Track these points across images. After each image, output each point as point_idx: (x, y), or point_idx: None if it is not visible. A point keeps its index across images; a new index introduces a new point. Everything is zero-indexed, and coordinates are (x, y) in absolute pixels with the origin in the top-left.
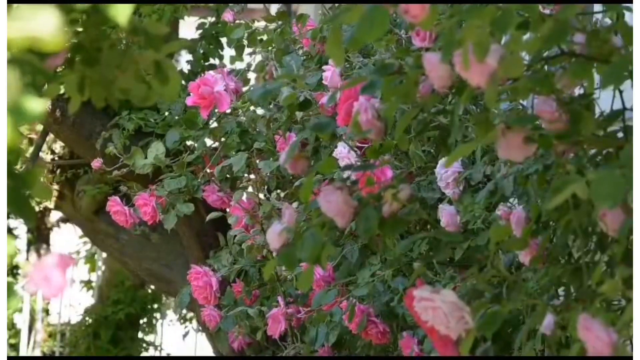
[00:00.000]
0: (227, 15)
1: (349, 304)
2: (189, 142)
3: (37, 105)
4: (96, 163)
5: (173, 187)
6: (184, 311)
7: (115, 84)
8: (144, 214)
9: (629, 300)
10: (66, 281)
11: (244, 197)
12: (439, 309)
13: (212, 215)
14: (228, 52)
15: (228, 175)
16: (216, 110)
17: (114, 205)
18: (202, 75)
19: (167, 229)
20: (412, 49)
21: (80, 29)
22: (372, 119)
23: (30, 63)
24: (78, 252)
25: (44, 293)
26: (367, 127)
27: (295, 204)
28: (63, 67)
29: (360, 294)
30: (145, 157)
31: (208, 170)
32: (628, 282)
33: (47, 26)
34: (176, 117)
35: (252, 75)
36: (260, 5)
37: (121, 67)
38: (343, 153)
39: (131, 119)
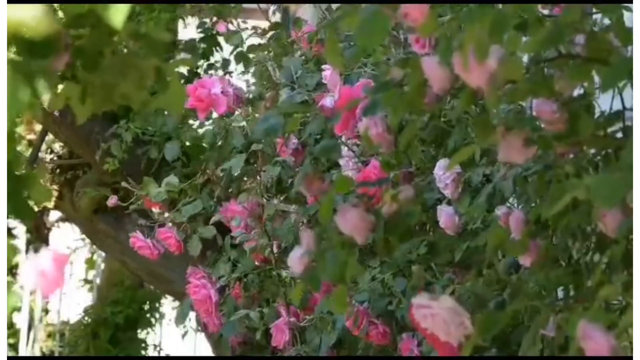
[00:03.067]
0: (220, 27)
1: (351, 310)
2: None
3: (29, 94)
4: (112, 201)
5: (190, 213)
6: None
7: (117, 89)
8: (169, 245)
9: (629, 303)
10: (63, 277)
11: (247, 198)
12: (437, 315)
13: (215, 218)
14: (227, 51)
15: (232, 177)
16: (214, 115)
17: (137, 241)
18: (202, 75)
19: None
20: (410, 54)
21: (80, 33)
22: (382, 133)
23: (30, 68)
24: (75, 250)
25: (41, 289)
26: (378, 141)
27: (293, 207)
28: (64, 74)
29: (362, 299)
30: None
31: (209, 171)
32: (627, 285)
33: (30, 10)
34: (172, 130)
35: (251, 76)
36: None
37: (123, 72)
38: (342, 152)
39: (129, 128)
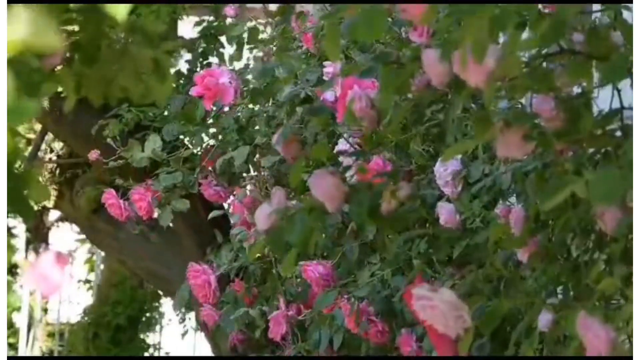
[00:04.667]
0: (229, 10)
1: (351, 306)
2: (185, 138)
3: (32, 105)
4: (93, 154)
5: (169, 182)
6: (183, 310)
7: (114, 82)
8: (139, 208)
9: (627, 299)
10: (64, 279)
11: (246, 194)
12: (437, 307)
13: (214, 213)
14: (227, 51)
15: (226, 170)
16: (214, 108)
17: (110, 197)
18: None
19: (165, 228)
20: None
21: (78, 28)
22: (365, 108)
23: (27, 63)
24: (74, 250)
25: (42, 291)
26: (361, 115)
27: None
28: (61, 66)
29: (361, 294)
30: (143, 150)
31: (205, 165)
32: (626, 281)
33: (43, 30)
34: (175, 112)
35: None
36: (260, 4)
37: (120, 65)
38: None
39: (130, 111)
